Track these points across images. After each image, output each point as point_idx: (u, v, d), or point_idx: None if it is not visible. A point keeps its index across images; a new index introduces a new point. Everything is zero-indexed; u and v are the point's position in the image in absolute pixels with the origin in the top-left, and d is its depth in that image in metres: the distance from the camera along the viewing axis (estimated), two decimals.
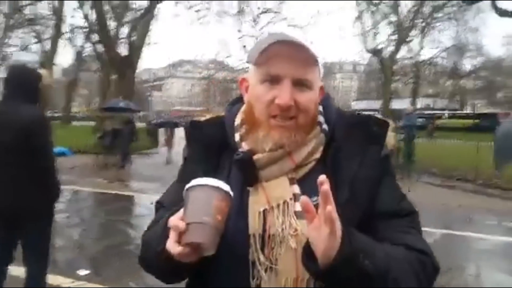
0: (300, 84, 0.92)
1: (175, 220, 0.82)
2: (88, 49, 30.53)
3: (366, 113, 1.10)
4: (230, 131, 1.02)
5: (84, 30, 28.67)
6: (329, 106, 1.04)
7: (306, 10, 42.40)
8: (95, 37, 25.34)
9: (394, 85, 32.26)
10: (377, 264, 0.80)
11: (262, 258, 0.90)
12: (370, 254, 0.81)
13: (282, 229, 0.90)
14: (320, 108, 1.01)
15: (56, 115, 34.71)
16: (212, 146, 1.02)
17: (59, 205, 3.32)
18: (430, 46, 36.37)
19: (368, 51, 29.70)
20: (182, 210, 0.83)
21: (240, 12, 34.90)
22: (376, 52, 28.58)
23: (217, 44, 37.64)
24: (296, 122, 0.93)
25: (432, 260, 0.91)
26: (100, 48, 24.27)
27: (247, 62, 1.00)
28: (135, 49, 19.46)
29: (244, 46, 36.64)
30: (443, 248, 5.27)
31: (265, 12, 35.64)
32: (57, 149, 14.84)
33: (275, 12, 34.72)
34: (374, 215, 0.93)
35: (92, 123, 21.88)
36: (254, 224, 0.92)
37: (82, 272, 4.37)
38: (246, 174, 0.95)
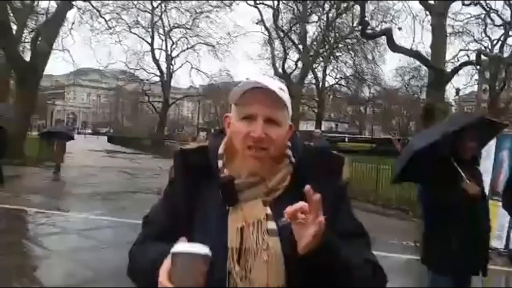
0: (271, 121, 1.11)
1: (165, 282, 0.97)
2: None
3: None
4: (213, 159, 1.19)
5: None
6: (296, 142, 1.22)
7: (220, 30, 43.17)
8: None
9: (301, 108, 33.90)
10: (341, 257, 1.02)
11: (237, 268, 1.07)
12: (337, 249, 1.02)
13: (256, 244, 1.07)
14: (289, 143, 1.20)
15: None
16: (196, 171, 1.18)
17: None
18: (333, 74, 38.67)
19: (276, 75, 30.96)
20: (169, 269, 0.97)
21: (152, 25, 34.54)
22: (284, 75, 29.84)
23: (128, 55, 36.29)
24: (267, 152, 1.11)
25: (383, 272, 1.17)
26: None
27: (229, 102, 1.18)
28: (41, 55, 18.13)
29: (156, 59, 36.25)
30: None
31: (177, 27, 35.72)
32: None
33: (187, 28, 34.99)
34: (338, 234, 1.09)
35: None
36: (232, 238, 1.08)
37: None
38: (228, 195, 1.11)
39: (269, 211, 1.10)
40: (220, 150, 1.20)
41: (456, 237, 3.15)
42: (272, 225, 1.08)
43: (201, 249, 0.96)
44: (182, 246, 0.98)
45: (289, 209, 0.96)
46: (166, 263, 0.99)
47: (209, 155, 1.20)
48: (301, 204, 0.96)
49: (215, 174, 1.16)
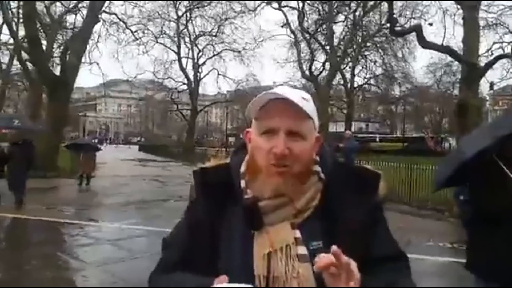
0: (294, 135, 1.01)
1: None
2: (16, 66, 28.90)
3: None
4: (236, 177, 1.09)
5: (10, 46, 27.15)
6: (325, 156, 1.11)
7: (245, 35, 43.29)
8: (24, 54, 24.08)
9: (329, 109, 33.56)
10: None
11: None
12: None
13: (286, 272, 0.97)
14: (317, 158, 1.09)
15: None
16: (218, 191, 1.09)
17: None
18: (362, 74, 38.07)
19: (303, 77, 30.70)
20: None
21: (178, 34, 34.89)
22: (312, 78, 29.59)
23: (155, 65, 36.72)
24: (291, 170, 1.01)
25: None
26: (30, 66, 23.05)
27: (247, 116, 1.10)
28: (70, 69, 18.57)
29: (183, 67, 36.63)
30: None
31: (203, 35, 35.98)
32: None
33: (213, 36, 35.21)
34: (372, 259, 1.00)
35: None
36: (259, 265, 0.99)
37: None
38: (252, 219, 1.01)
39: (298, 234, 1.01)
40: (242, 169, 1.10)
41: (505, 243, 2.96)
42: (302, 250, 0.99)
43: None
44: (225, 286, 0.90)
45: (321, 262, 0.87)
46: None
47: (232, 173, 1.11)
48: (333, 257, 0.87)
49: (238, 194, 1.07)
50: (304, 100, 1.02)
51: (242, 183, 1.07)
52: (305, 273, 0.96)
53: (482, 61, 16.89)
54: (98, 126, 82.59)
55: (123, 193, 12.78)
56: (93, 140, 24.03)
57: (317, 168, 1.07)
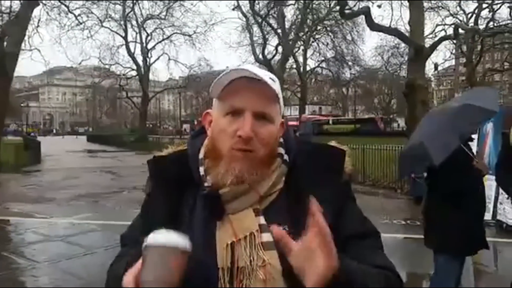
0: (261, 117, 0.95)
1: (129, 281, 0.83)
2: None
3: None
4: (194, 165, 1.02)
5: None
6: (290, 137, 1.07)
7: (196, 18, 42.36)
8: None
9: (283, 93, 33.75)
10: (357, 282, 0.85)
11: None
12: (354, 277, 0.84)
13: (250, 261, 0.92)
14: (281, 140, 1.04)
15: None
16: (175, 181, 1.02)
17: None
18: (314, 57, 38.46)
19: (257, 61, 30.62)
20: (138, 266, 0.83)
21: (124, 17, 33.56)
22: (265, 61, 29.54)
23: (101, 50, 35.07)
24: (256, 155, 0.95)
25: (397, 275, 0.97)
26: None
27: (211, 96, 1.01)
28: (8, 56, 17.44)
29: (131, 52, 35.40)
30: None
31: (151, 18, 34.85)
32: None
33: (162, 19, 34.20)
34: (341, 238, 0.93)
35: None
36: (222, 257, 0.93)
37: None
38: (213, 209, 0.96)
39: (262, 221, 0.95)
40: (201, 154, 1.03)
41: (471, 218, 3.10)
42: (267, 237, 0.93)
43: (176, 240, 0.82)
44: (154, 237, 0.82)
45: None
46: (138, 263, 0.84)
47: (189, 160, 1.04)
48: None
49: (198, 182, 1.00)
50: (272, 81, 0.95)
51: (201, 171, 1.00)
52: (271, 261, 0.91)
53: (427, 43, 17.51)
54: (41, 116, 78.93)
55: (74, 186, 12.26)
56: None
57: (281, 150, 1.02)
